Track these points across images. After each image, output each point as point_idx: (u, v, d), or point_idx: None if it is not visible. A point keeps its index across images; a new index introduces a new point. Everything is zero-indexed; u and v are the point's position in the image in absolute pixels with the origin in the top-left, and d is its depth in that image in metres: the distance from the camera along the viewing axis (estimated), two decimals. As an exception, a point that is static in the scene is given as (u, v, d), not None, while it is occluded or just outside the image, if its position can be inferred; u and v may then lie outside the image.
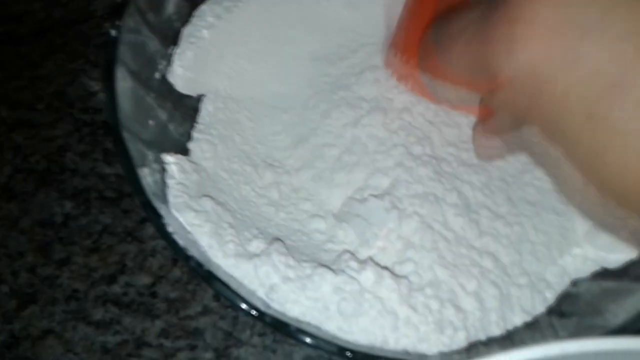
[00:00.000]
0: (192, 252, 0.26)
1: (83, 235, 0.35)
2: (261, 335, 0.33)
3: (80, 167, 0.37)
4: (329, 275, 0.26)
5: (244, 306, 0.25)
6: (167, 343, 0.32)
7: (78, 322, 0.33)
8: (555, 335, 0.27)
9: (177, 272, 0.34)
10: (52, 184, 0.37)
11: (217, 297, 0.34)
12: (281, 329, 0.24)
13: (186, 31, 0.35)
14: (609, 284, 0.28)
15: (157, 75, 0.33)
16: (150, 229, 0.35)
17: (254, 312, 0.24)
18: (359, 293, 0.26)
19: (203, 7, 0.36)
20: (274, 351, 0.32)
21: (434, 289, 0.27)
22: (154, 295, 0.34)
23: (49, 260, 0.34)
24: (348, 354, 0.23)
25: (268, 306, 0.26)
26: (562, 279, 0.29)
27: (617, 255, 0.29)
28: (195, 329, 0.33)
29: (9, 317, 0.33)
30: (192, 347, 0.32)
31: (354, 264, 0.27)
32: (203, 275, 0.25)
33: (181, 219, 0.28)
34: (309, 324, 0.26)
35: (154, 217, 0.26)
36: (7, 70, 0.40)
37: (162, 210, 0.27)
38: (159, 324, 0.33)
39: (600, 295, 0.28)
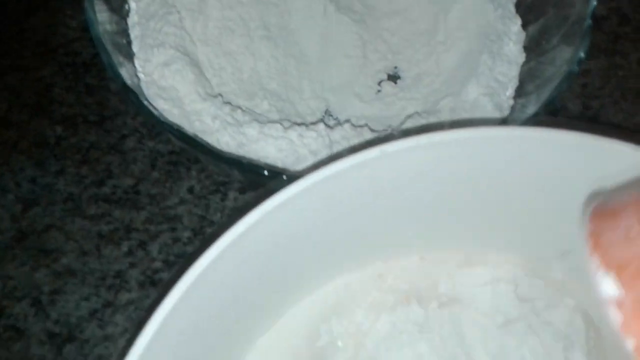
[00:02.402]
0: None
1: (73, 151, 0.41)
2: (229, 216, 0.39)
3: (66, 98, 0.43)
4: (270, 139, 0.34)
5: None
6: (152, 227, 0.39)
7: (75, 217, 0.39)
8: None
9: (155, 174, 0.40)
10: (43, 114, 0.43)
11: (191, 190, 0.40)
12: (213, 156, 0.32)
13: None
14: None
15: (126, 6, 0.39)
16: (130, 143, 0.42)
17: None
18: (293, 150, 0.33)
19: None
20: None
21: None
22: (137, 192, 0.40)
23: (47, 172, 0.40)
24: (265, 172, 0.31)
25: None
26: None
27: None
28: (174, 215, 0.39)
29: (16, 217, 0.39)
30: (173, 229, 0.39)
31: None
32: (181, 138, 0.32)
33: (155, 105, 0.34)
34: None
35: (132, 94, 0.32)
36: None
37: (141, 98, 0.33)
38: (143, 214, 0.39)
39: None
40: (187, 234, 0.39)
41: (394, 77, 0.43)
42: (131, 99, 0.32)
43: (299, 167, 0.34)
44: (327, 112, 0.42)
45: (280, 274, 0.29)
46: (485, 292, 0.32)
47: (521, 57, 0.40)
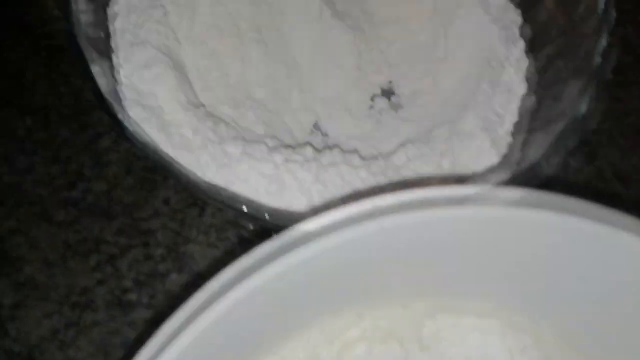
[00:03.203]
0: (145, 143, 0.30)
1: (44, 147, 0.39)
2: (205, 233, 0.37)
3: (39, 86, 0.40)
4: (253, 161, 0.32)
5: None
6: (123, 240, 0.37)
7: (42, 222, 0.37)
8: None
9: (130, 180, 0.38)
10: (12, 102, 0.40)
11: (166, 201, 0.38)
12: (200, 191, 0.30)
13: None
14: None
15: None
16: (105, 142, 0.39)
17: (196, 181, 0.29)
18: (277, 175, 0.32)
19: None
20: (216, 247, 0.37)
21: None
22: (110, 199, 0.38)
23: (14, 169, 0.38)
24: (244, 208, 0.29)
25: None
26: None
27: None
28: (147, 229, 0.37)
29: (-22, 219, 0.37)
30: (145, 244, 0.37)
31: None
32: (156, 161, 0.30)
33: (131, 113, 0.31)
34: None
35: (106, 107, 0.30)
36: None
37: (116, 107, 0.31)
38: (115, 224, 0.37)
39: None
40: (160, 250, 0.37)
41: (388, 93, 0.41)
42: (104, 110, 0.30)
43: (282, 198, 0.32)
44: (316, 126, 0.40)
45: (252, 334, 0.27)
46: (472, 339, 0.31)
47: (522, 88, 0.38)
